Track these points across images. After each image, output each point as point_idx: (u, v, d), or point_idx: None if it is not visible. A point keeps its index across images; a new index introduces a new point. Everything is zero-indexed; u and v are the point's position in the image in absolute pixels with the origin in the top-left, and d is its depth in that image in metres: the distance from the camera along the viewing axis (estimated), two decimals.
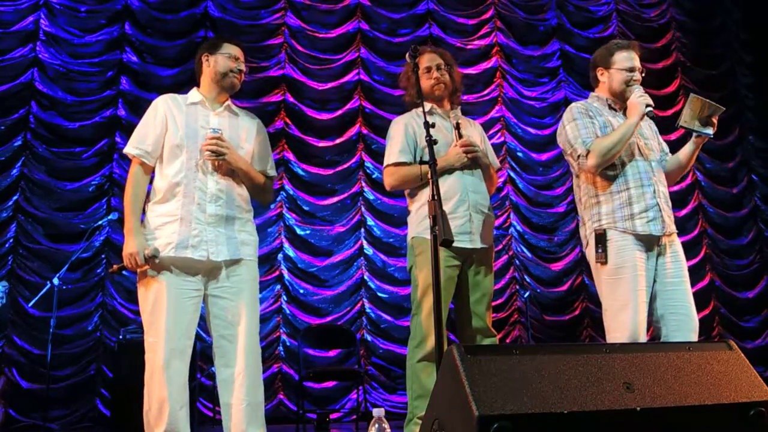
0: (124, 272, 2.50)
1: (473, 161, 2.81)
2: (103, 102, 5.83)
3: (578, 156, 2.63)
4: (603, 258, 2.56)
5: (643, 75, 2.75)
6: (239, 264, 2.48)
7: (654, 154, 2.70)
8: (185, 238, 2.38)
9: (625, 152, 2.62)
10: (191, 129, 2.49)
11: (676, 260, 2.60)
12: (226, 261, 2.45)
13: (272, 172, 2.71)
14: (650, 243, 2.58)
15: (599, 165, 2.59)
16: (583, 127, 2.65)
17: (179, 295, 2.37)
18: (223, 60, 2.58)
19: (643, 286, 2.51)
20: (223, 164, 2.47)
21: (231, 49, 2.61)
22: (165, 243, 2.38)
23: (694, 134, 2.64)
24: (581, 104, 2.76)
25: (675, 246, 2.63)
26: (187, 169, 2.44)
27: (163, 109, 2.53)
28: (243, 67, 2.63)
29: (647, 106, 2.56)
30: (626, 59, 2.71)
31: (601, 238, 2.58)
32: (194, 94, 2.61)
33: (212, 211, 2.44)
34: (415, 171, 2.75)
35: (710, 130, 2.60)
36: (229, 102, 2.64)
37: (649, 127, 2.80)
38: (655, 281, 2.58)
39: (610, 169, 2.62)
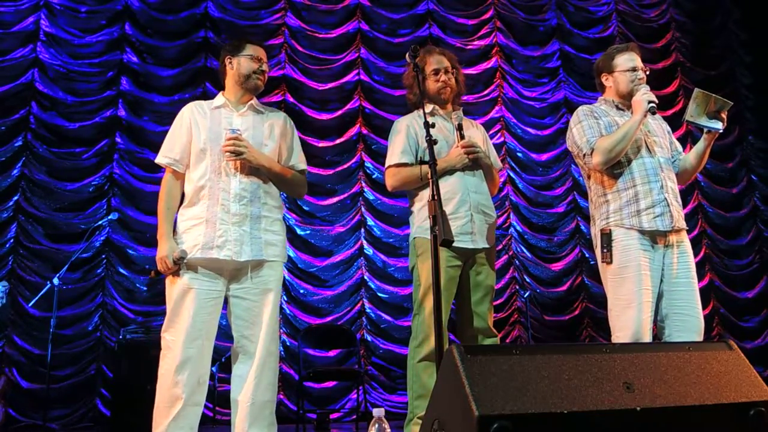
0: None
1: (475, 162, 2.82)
2: (103, 102, 5.83)
3: (584, 155, 2.67)
4: (608, 257, 2.59)
5: (648, 73, 2.77)
6: (263, 265, 2.50)
7: (663, 151, 2.70)
8: (210, 239, 2.43)
9: (632, 149, 2.63)
10: (214, 132, 2.53)
11: (683, 260, 2.60)
12: (250, 262, 2.47)
13: (301, 166, 2.71)
14: (657, 239, 2.58)
15: (604, 162, 2.61)
16: (588, 128, 2.69)
17: (202, 295, 2.41)
18: (246, 62, 2.61)
19: (647, 285, 2.51)
20: (245, 163, 2.49)
21: (253, 50, 2.63)
22: (192, 245, 2.43)
23: (705, 130, 2.64)
24: (587, 107, 2.79)
25: (683, 245, 2.63)
26: (212, 172, 2.49)
27: (188, 116, 2.58)
28: (266, 67, 2.65)
29: (650, 102, 2.57)
30: (628, 60, 2.75)
31: (606, 238, 2.61)
32: (218, 98, 2.65)
33: (236, 211, 2.46)
34: (416, 172, 2.76)
35: (719, 125, 2.58)
36: (252, 101, 2.66)
37: (659, 126, 2.80)
38: (662, 280, 2.58)
39: (617, 167, 2.64)
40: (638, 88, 2.66)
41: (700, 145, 2.69)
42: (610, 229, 2.61)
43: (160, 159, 2.58)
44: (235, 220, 2.45)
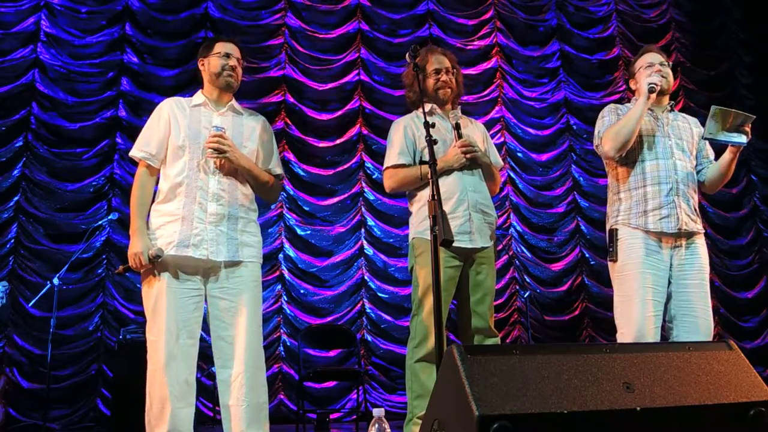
0: (128, 274, 2.52)
1: (473, 161, 2.81)
2: (103, 103, 5.84)
3: (597, 145, 2.74)
4: (614, 255, 2.64)
5: (668, 64, 2.79)
6: (239, 266, 2.48)
7: (682, 154, 2.69)
8: (186, 237, 2.40)
9: (650, 149, 2.66)
10: (194, 130, 2.51)
11: (693, 261, 2.62)
12: (225, 262, 2.44)
13: (277, 171, 2.70)
14: (664, 240, 2.60)
15: (613, 149, 2.64)
16: (608, 122, 2.73)
17: (179, 294, 2.39)
18: (215, 60, 2.59)
19: (651, 284, 2.54)
20: (225, 163, 2.48)
21: (222, 47, 2.61)
22: (167, 242, 2.39)
23: (729, 144, 2.62)
24: (613, 105, 2.85)
25: (694, 248, 2.64)
26: (189, 169, 2.46)
27: (167, 111, 2.55)
28: (234, 62, 2.60)
29: (650, 84, 2.60)
30: (644, 60, 2.79)
31: (613, 236, 2.66)
32: (198, 96, 2.62)
33: (213, 210, 2.44)
34: (415, 172, 2.76)
35: (743, 139, 2.55)
36: (232, 102, 2.64)
37: (690, 128, 2.80)
38: (670, 281, 2.60)
39: (632, 166, 2.68)
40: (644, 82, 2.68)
41: (727, 156, 2.67)
42: (617, 228, 2.66)
43: (135, 153, 2.53)
44: (212, 220, 2.43)
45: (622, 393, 1.46)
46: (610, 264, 2.68)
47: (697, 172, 2.76)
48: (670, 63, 2.83)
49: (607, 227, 2.76)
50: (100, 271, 5.49)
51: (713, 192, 2.83)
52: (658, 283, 2.56)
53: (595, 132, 2.79)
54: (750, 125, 2.56)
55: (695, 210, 2.67)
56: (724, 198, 6.95)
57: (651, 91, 2.61)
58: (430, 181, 2.16)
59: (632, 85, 2.88)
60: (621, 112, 2.75)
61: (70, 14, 5.94)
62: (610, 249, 2.66)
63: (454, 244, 2.12)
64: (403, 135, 2.87)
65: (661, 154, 2.66)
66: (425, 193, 2.78)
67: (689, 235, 2.63)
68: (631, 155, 2.69)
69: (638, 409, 1.43)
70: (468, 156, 2.76)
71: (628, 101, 2.94)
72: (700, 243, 2.66)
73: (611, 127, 2.66)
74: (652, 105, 2.76)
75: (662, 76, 2.70)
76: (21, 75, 5.70)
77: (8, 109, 5.62)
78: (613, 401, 1.43)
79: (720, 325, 6.47)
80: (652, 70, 2.72)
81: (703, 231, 2.70)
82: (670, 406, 1.47)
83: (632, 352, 1.57)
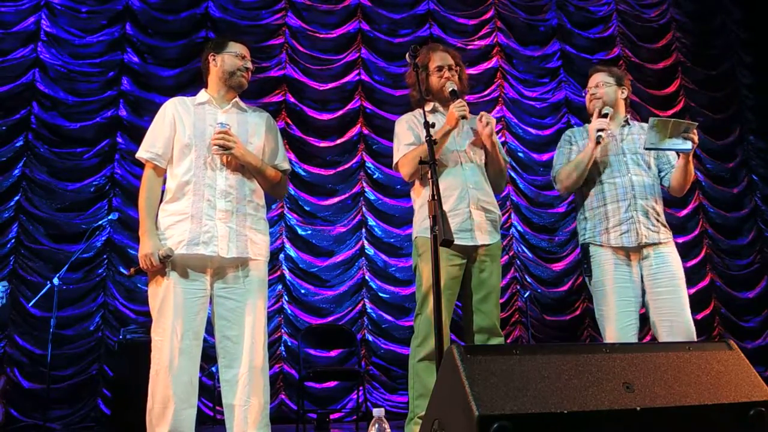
0: (138, 276, 2.51)
1: (476, 158, 2.82)
2: (104, 102, 5.84)
3: (553, 177, 2.94)
4: (588, 272, 2.78)
5: (601, 89, 2.89)
6: (248, 264, 2.48)
7: (638, 168, 2.81)
8: (196, 234, 2.39)
9: (606, 169, 2.81)
10: (199, 128, 2.51)
11: (663, 270, 2.69)
12: (234, 260, 2.44)
13: (284, 166, 2.70)
14: (630, 254, 2.72)
15: (564, 189, 2.87)
16: (561, 155, 2.94)
17: (186, 294, 2.38)
18: (230, 59, 2.60)
19: (627, 296, 2.66)
20: (232, 160, 2.48)
21: (237, 47, 2.62)
22: (177, 241, 2.39)
23: (674, 151, 2.72)
24: (569, 131, 3.01)
25: (662, 256, 2.71)
26: (196, 167, 2.46)
27: (171, 111, 2.55)
28: (250, 65, 2.64)
29: (598, 131, 2.72)
30: (590, 81, 2.95)
31: (584, 254, 2.81)
32: (202, 95, 2.62)
33: (222, 207, 2.44)
34: (424, 147, 2.64)
35: (688, 145, 2.61)
36: (236, 99, 2.65)
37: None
38: (644, 291, 2.71)
39: (593, 187, 2.84)
40: (593, 111, 2.83)
41: (679, 163, 2.77)
42: (587, 246, 2.80)
43: (142, 153, 2.53)
44: (221, 216, 2.43)
45: (622, 393, 1.46)
46: (587, 279, 2.82)
47: (662, 178, 2.87)
48: (615, 76, 2.91)
49: (579, 242, 2.89)
50: (100, 271, 5.50)
51: (680, 195, 2.92)
52: (633, 294, 2.68)
53: (554, 163, 2.96)
54: (695, 131, 2.60)
55: (658, 220, 2.76)
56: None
57: (598, 142, 2.74)
58: (430, 181, 2.16)
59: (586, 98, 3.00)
60: (574, 140, 2.92)
61: (71, 14, 5.94)
62: (584, 266, 2.80)
63: (455, 242, 2.12)
64: (408, 127, 2.88)
65: (617, 172, 2.80)
66: (428, 191, 2.76)
67: (654, 245, 2.72)
68: (590, 177, 2.84)
69: (638, 409, 1.43)
70: (463, 112, 2.68)
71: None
72: (668, 250, 2.74)
73: (564, 168, 2.84)
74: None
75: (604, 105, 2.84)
76: (21, 74, 5.70)
77: (8, 108, 5.62)
78: (613, 401, 1.43)
79: (720, 325, 6.47)
80: (594, 97, 2.86)
81: (670, 239, 2.78)
82: (670, 406, 1.47)
83: (632, 352, 1.57)
